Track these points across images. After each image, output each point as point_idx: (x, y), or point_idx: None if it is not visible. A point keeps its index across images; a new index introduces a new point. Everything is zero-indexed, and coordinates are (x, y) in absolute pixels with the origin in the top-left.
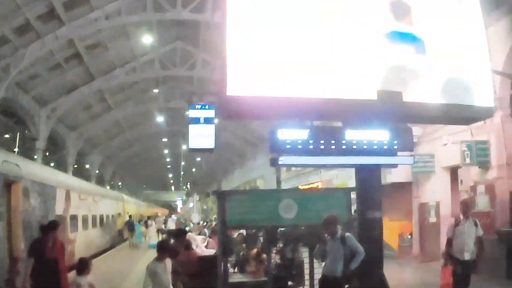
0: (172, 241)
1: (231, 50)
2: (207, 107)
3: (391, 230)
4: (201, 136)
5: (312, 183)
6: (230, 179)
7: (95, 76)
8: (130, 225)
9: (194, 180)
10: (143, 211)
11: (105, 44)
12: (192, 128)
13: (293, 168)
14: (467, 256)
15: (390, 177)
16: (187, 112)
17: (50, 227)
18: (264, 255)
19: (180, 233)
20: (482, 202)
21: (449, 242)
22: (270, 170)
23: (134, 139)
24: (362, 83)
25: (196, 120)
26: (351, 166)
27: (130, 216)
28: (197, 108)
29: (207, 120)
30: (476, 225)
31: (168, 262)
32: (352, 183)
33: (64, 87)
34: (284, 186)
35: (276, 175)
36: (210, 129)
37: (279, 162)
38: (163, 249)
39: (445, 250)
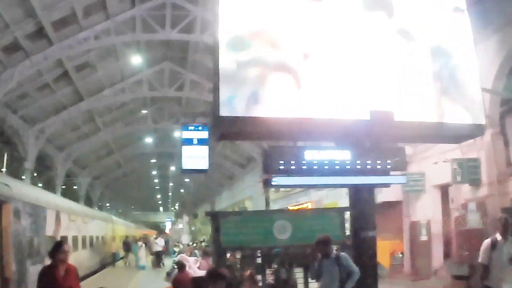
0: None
1: (223, 69)
2: (200, 128)
3: (383, 249)
4: (194, 157)
5: (301, 204)
6: (219, 200)
7: (84, 96)
8: (126, 246)
9: (182, 201)
10: (132, 232)
11: (94, 64)
12: (185, 149)
13: (281, 189)
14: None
15: (380, 196)
16: (176, 134)
17: (59, 250)
18: (258, 276)
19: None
20: (473, 220)
21: (486, 270)
22: (258, 190)
23: (122, 160)
24: (354, 103)
25: (189, 141)
26: (344, 186)
27: (126, 237)
28: (190, 129)
29: (201, 142)
30: None
31: None
32: (342, 203)
33: (53, 107)
34: (273, 206)
35: (265, 196)
36: (204, 150)
37: (273, 183)
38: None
39: (481, 280)
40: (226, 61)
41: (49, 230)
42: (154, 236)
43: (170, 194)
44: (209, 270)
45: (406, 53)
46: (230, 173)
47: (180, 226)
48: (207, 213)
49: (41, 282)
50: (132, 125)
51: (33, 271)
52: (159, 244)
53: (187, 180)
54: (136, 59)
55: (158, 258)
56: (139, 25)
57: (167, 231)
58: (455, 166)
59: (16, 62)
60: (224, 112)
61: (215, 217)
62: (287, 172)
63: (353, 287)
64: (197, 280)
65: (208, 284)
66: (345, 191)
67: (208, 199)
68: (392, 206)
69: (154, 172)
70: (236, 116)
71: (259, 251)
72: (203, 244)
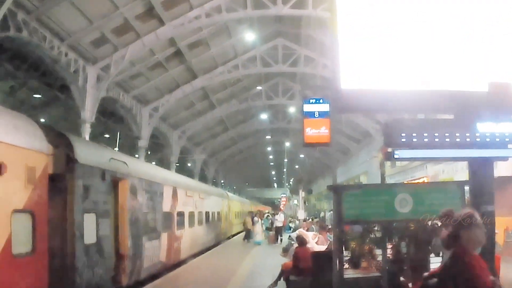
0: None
1: (343, 43)
2: (321, 101)
3: (497, 225)
4: (316, 130)
5: (417, 179)
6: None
7: (197, 74)
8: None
9: (297, 177)
10: (247, 209)
11: (206, 42)
12: (306, 122)
13: (397, 164)
14: None
15: (496, 171)
16: (291, 110)
17: None
18: (377, 251)
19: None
20: None
21: None
22: (374, 166)
23: (237, 136)
24: (473, 74)
25: (310, 114)
26: (464, 159)
27: (252, 213)
28: (312, 103)
29: (322, 114)
30: None
31: None
32: (458, 178)
33: (166, 86)
34: (389, 182)
35: (381, 171)
36: (325, 123)
37: (395, 156)
38: None
39: None
40: (345, 33)
41: (166, 206)
42: (266, 212)
43: (284, 170)
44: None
45: None
46: (345, 148)
47: (295, 202)
48: (329, 186)
49: None
50: (246, 101)
51: (149, 247)
52: (279, 219)
53: (301, 156)
54: (249, 36)
55: (277, 233)
56: (250, 1)
57: (281, 207)
58: None
59: (127, 43)
60: (345, 85)
61: (336, 190)
62: (409, 145)
63: None
64: (317, 254)
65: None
66: (460, 166)
67: (323, 174)
68: (508, 181)
69: (269, 149)
70: (357, 89)
71: (379, 225)
72: (316, 220)
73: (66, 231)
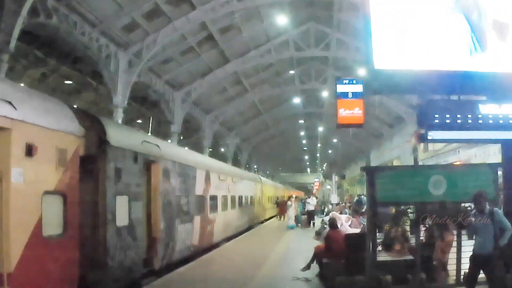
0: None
1: (376, 23)
2: (354, 81)
3: None
4: (350, 111)
5: (450, 163)
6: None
7: (229, 58)
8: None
9: (330, 162)
10: (280, 193)
11: (238, 26)
12: (340, 103)
13: (430, 148)
14: None
15: None
16: (324, 94)
17: None
18: (410, 234)
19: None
20: None
21: None
22: (407, 150)
23: (270, 121)
24: (507, 56)
25: (344, 95)
26: (497, 141)
27: (289, 198)
28: (345, 83)
29: (356, 95)
30: None
31: None
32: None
33: (198, 70)
34: None
35: (414, 156)
36: (359, 103)
37: (428, 137)
38: None
39: None
40: (378, 13)
41: (199, 189)
42: (293, 196)
43: (318, 155)
44: None
45: None
46: (378, 132)
47: (328, 187)
48: (363, 168)
49: None
50: (279, 86)
51: (181, 230)
52: (311, 203)
53: (335, 140)
54: (281, 20)
55: (309, 217)
56: None
57: (314, 192)
58: None
59: (158, 28)
60: (378, 65)
61: (370, 172)
62: (442, 127)
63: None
64: (350, 236)
65: None
66: (493, 150)
67: (356, 160)
68: None
69: (302, 133)
70: (391, 69)
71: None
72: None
73: (98, 213)
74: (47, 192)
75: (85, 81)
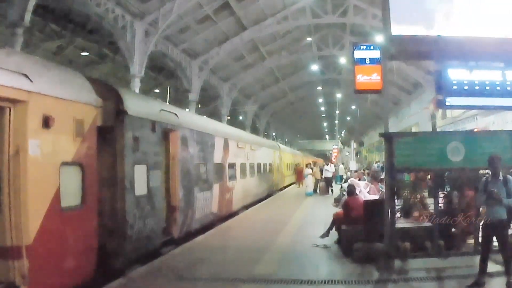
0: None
1: None
2: (372, 47)
3: None
4: (368, 77)
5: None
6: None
7: (246, 26)
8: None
9: (348, 129)
10: (299, 160)
11: None
12: (357, 68)
13: (448, 115)
14: None
15: None
16: (341, 61)
17: None
18: (428, 200)
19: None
20: None
21: None
22: (425, 117)
23: (288, 88)
24: None
25: (361, 61)
26: None
27: (296, 165)
28: (362, 49)
29: (373, 61)
30: None
31: None
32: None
33: (215, 38)
34: None
35: (432, 122)
36: (376, 69)
37: (446, 104)
38: None
39: None
40: None
41: (217, 157)
42: (311, 163)
43: (336, 122)
44: None
45: None
46: (396, 99)
47: (346, 154)
48: (381, 134)
49: None
50: (296, 53)
51: (200, 198)
52: (329, 170)
53: (353, 107)
54: None
55: (327, 184)
56: None
57: (332, 159)
58: None
59: None
60: (396, 31)
61: (389, 137)
62: (460, 93)
63: None
64: (369, 203)
65: None
66: (511, 117)
67: (374, 126)
68: None
69: (320, 100)
70: (408, 35)
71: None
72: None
73: (116, 183)
74: (64, 163)
75: (101, 52)
